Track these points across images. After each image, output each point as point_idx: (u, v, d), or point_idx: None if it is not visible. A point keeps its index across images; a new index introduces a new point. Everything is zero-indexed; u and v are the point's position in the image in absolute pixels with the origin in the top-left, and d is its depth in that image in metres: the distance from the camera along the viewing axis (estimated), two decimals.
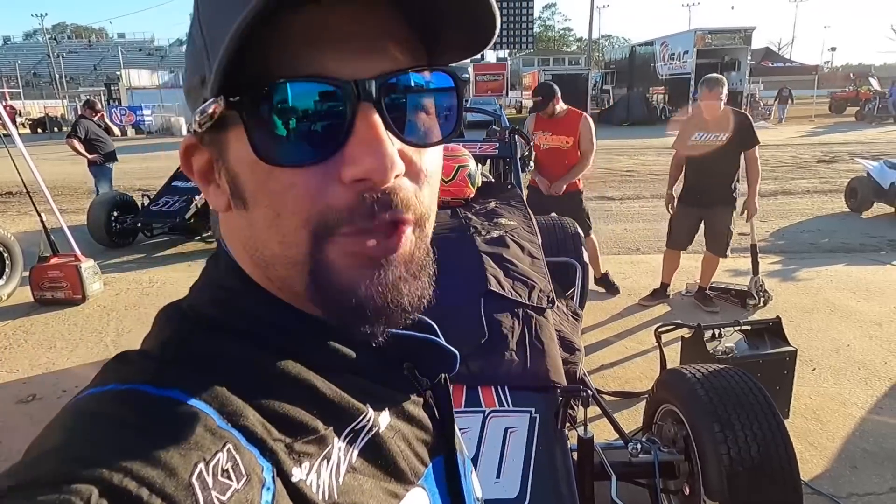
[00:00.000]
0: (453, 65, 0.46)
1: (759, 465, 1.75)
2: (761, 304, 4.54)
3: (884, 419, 3.04)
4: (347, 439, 0.42)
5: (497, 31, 0.42)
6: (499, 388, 2.04)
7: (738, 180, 4.36)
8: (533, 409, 1.98)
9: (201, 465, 0.33)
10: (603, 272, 4.96)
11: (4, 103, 24.18)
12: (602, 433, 2.57)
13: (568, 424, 2.02)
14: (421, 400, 0.51)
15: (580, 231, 4.01)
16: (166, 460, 0.32)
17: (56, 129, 29.56)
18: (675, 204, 4.57)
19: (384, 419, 0.46)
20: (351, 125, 0.38)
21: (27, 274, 5.16)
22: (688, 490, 2.05)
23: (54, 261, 5.07)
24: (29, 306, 4.99)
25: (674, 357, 3.20)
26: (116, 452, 0.32)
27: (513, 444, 1.89)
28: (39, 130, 30.46)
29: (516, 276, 2.33)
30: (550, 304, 2.32)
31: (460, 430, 1.88)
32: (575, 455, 2.03)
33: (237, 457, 0.35)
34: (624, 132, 20.82)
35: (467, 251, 2.37)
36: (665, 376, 2.24)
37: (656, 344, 3.24)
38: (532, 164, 3.94)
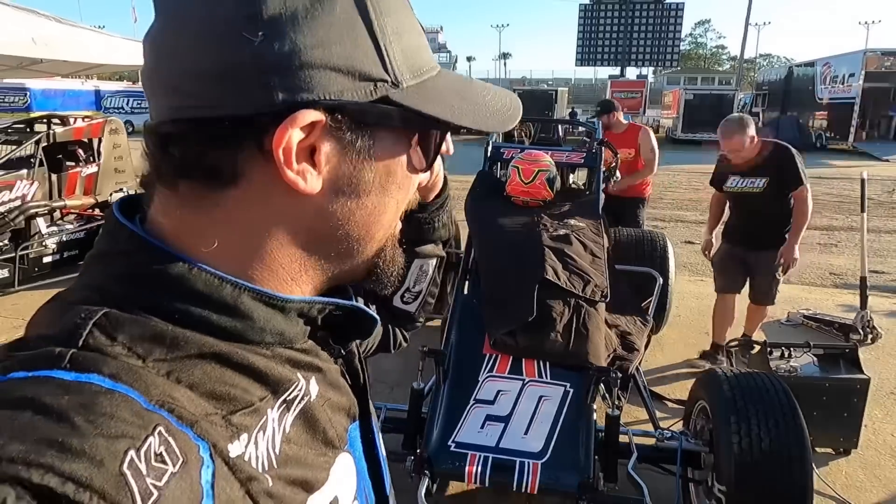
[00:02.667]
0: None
1: (769, 457, 1.87)
2: (868, 340, 4.28)
3: None
4: (280, 410, 0.43)
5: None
6: (540, 362, 2.32)
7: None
8: (568, 384, 2.25)
9: (132, 452, 0.31)
10: None
11: None
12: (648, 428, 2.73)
13: (608, 403, 2.25)
14: (338, 367, 0.53)
15: (670, 246, 4.12)
16: (91, 451, 0.29)
17: None
18: (720, 243, 4.05)
19: (314, 388, 0.47)
20: (437, 154, 0.52)
21: None
22: (711, 482, 2.19)
23: None
24: None
25: None
26: (33, 445, 0.29)
27: (543, 410, 2.17)
28: None
29: (574, 269, 2.59)
30: (603, 299, 2.55)
31: (500, 392, 2.19)
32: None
33: (170, 439, 0.33)
34: None
35: (532, 244, 2.67)
36: (702, 376, 2.38)
37: (727, 359, 3.30)
38: (618, 174, 4.11)
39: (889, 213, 9.94)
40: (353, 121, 0.42)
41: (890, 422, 3.20)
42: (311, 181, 0.42)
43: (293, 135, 0.40)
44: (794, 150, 3.59)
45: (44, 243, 5.24)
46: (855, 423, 2.79)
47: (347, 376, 0.54)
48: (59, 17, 4.92)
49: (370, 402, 0.58)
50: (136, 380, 0.35)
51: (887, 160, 18.66)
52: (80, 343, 0.35)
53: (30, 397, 0.31)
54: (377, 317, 0.53)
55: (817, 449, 2.73)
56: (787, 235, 3.62)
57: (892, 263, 6.90)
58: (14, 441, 0.29)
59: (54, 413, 0.31)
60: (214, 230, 0.42)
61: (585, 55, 36.03)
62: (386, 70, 0.43)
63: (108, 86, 27.21)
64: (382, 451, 0.59)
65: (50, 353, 0.34)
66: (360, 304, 0.53)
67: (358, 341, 0.56)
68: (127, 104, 27.36)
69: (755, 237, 3.73)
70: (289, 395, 0.44)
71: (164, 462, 0.32)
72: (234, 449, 0.37)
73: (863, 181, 4.29)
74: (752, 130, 3.49)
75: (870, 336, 4.30)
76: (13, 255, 4.90)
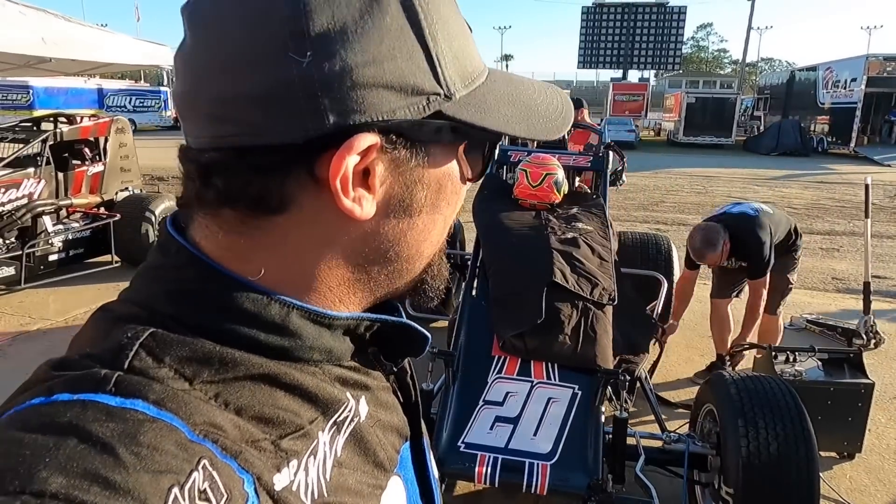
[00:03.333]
0: None
1: (776, 461, 1.89)
2: (871, 345, 4.29)
3: None
4: (331, 432, 0.41)
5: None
6: (549, 364, 2.34)
7: (798, 242, 3.73)
8: (576, 387, 2.26)
9: (175, 490, 0.30)
10: None
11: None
12: (654, 429, 2.75)
13: (615, 406, 2.27)
14: (389, 385, 0.52)
15: (674, 249, 4.15)
16: (135, 488, 0.29)
17: None
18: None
19: (363, 408, 0.46)
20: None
21: None
22: (717, 485, 2.21)
23: None
24: None
25: None
26: (76, 480, 0.28)
27: (552, 412, 2.19)
28: None
29: (582, 273, 2.61)
30: (611, 302, 2.57)
31: (509, 393, 2.21)
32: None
33: (214, 474, 0.32)
34: (768, 162, 19.47)
35: (540, 247, 2.69)
36: (710, 379, 2.39)
37: (730, 363, 3.32)
38: (624, 178, 4.14)
39: (891, 218, 9.96)
40: (406, 139, 0.40)
41: (893, 426, 3.22)
42: (367, 206, 0.40)
43: (350, 161, 0.38)
44: (763, 237, 3.38)
45: (50, 241, 5.26)
46: (859, 428, 2.81)
47: (399, 394, 0.53)
48: (68, 17, 4.94)
49: (422, 420, 0.55)
50: (180, 407, 0.34)
51: (889, 165, 18.69)
52: (126, 365, 0.35)
53: (74, 424, 0.31)
54: (428, 334, 0.50)
55: (821, 453, 2.75)
56: (795, 253, 3.64)
57: (894, 268, 6.92)
58: (57, 473, 0.28)
59: (99, 443, 0.30)
60: (259, 254, 0.41)
61: (587, 58, 36.03)
62: (438, 82, 0.40)
63: (110, 84, 27.27)
64: (434, 472, 0.56)
65: (95, 376, 0.34)
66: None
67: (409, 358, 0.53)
68: (129, 102, 27.43)
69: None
70: (339, 416, 0.43)
71: (207, 499, 0.31)
72: (281, 479, 0.36)
73: (867, 187, 4.29)
74: (721, 241, 3.36)
75: (873, 341, 4.31)
76: (20, 252, 4.92)
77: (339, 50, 0.36)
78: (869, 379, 2.82)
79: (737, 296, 3.86)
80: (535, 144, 5.40)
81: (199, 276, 0.41)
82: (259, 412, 0.37)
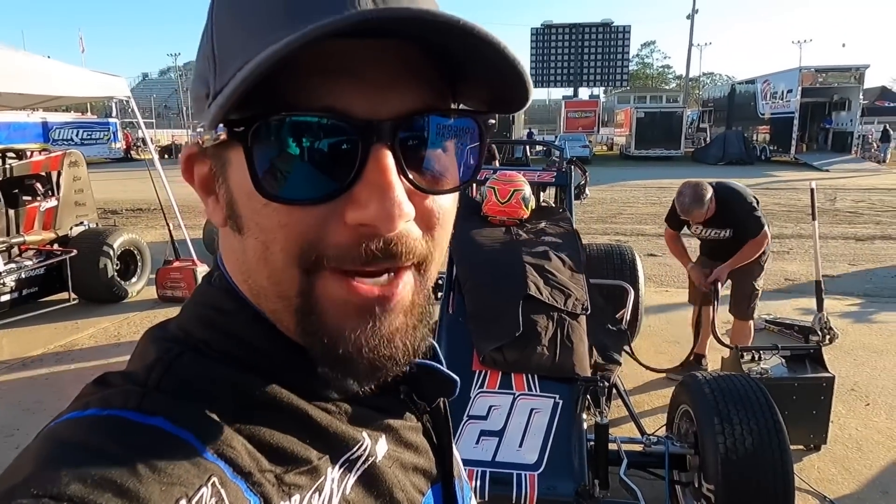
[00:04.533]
0: None
1: (752, 455, 1.97)
2: (826, 341, 4.49)
3: None
4: (342, 470, 0.41)
5: (528, 95, 0.39)
6: (529, 376, 2.38)
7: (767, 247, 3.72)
8: (557, 396, 2.31)
9: (183, 502, 0.31)
10: None
11: (125, 131, 27.37)
12: (631, 433, 2.81)
13: (596, 412, 2.31)
14: (419, 426, 0.50)
15: (638, 259, 4.28)
16: (146, 496, 0.31)
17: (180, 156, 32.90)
18: (696, 257, 4.03)
19: (381, 448, 0.45)
20: (362, 167, 0.35)
21: (153, 276, 6.05)
22: (698, 483, 2.27)
23: (176, 264, 5.93)
24: (153, 302, 5.85)
25: None
26: (92, 487, 0.30)
27: (536, 422, 2.22)
28: (166, 156, 34.00)
29: (555, 285, 2.68)
30: (584, 311, 2.64)
31: (492, 407, 2.23)
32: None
33: (222, 491, 0.33)
34: (717, 171, 20.21)
35: (513, 261, 2.75)
36: (683, 381, 2.47)
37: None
38: (587, 192, 4.27)
39: (833, 220, 10.48)
40: (204, 146, 0.39)
41: (853, 417, 3.38)
42: (214, 214, 0.43)
43: (196, 171, 0.43)
44: (749, 199, 3.51)
45: (1, 281, 5.05)
46: (823, 420, 2.94)
47: (433, 435, 0.51)
48: (14, 47, 4.81)
49: (456, 463, 0.53)
50: (198, 426, 0.36)
51: (827, 170, 19.71)
52: (153, 384, 0.37)
53: (98, 436, 0.34)
54: (456, 378, 0.49)
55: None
56: (763, 255, 3.69)
57: (840, 267, 7.27)
58: (76, 480, 0.30)
59: (118, 454, 0.32)
60: (225, 249, 0.44)
61: (539, 77, 37.05)
62: (211, 81, 0.38)
63: (55, 117, 26.40)
64: None
65: (124, 393, 0.37)
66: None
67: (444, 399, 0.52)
68: (76, 135, 26.63)
69: (730, 255, 3.66)
70: (352, 454, 0.42)
71: None
72: None
73: (812, 191, 4.53)
74: (709, 197, 3.43)
75: (828, 336, 4.52)
76: None
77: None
78: (830, 373, 2.96)
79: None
80: (498, 162, 5.49)
81: (228, 305, 0.43)
82: (268, 442, 0.38)
